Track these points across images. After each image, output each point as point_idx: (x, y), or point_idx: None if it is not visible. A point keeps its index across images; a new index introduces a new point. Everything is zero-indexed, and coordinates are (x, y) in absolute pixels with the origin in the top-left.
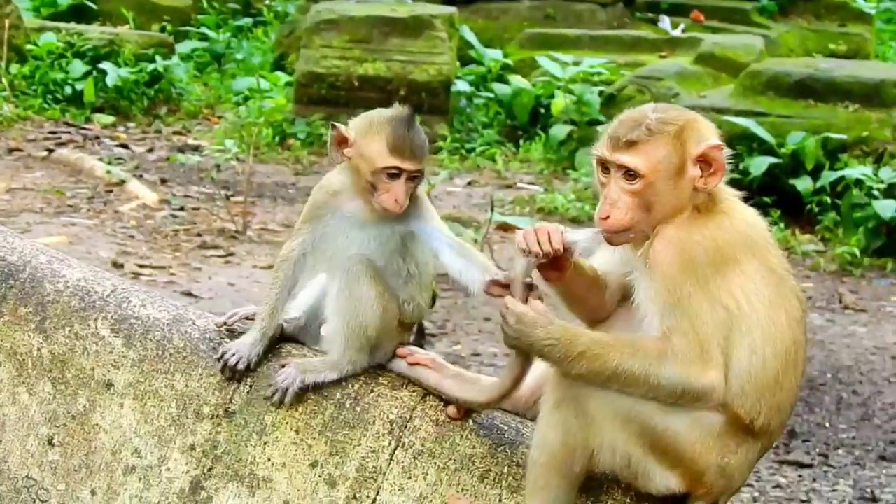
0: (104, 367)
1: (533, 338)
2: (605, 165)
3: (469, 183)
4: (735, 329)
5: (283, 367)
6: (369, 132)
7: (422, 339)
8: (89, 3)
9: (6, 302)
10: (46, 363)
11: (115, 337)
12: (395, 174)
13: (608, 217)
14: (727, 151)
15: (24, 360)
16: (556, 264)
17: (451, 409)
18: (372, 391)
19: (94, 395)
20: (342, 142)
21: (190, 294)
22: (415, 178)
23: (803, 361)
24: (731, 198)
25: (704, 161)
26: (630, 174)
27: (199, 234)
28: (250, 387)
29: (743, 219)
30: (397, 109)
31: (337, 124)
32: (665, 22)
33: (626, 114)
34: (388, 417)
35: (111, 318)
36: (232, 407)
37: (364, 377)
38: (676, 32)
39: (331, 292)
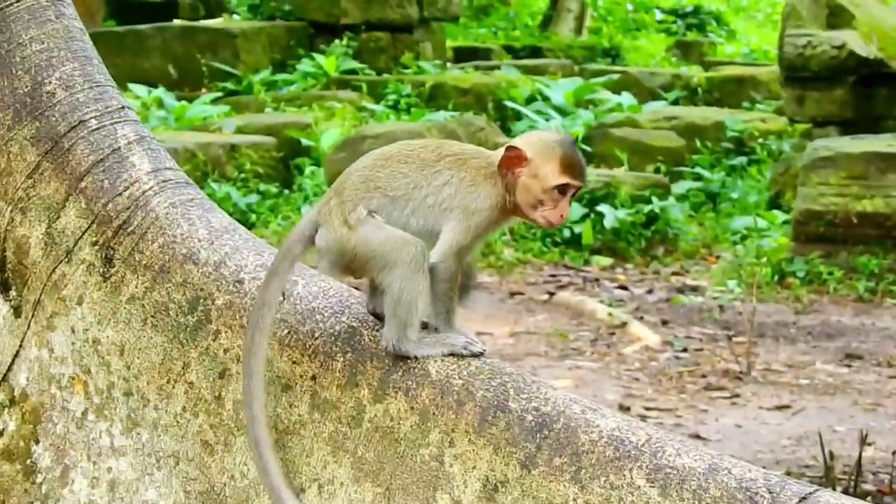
0: None
1: None
2: None
3: None
4: None
5: None
6: (543, 153)
7: None
8: (584, 146)
9: (541, 452)
10: None
11: (651, 487)
12: (563, 191)
13: None
14: None
15: None
16: None
17: None
18: None
19: None
20: (517, 161)
21: (698, 436)
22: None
23: None
24: None
25: None
26: None
27: (703, 376)
28: None
29: None
30: (564, 133)
31: (515, 145)
32: None
33: None
34: None
35: (646, 467)
36: None
37: None
38: None
39: None
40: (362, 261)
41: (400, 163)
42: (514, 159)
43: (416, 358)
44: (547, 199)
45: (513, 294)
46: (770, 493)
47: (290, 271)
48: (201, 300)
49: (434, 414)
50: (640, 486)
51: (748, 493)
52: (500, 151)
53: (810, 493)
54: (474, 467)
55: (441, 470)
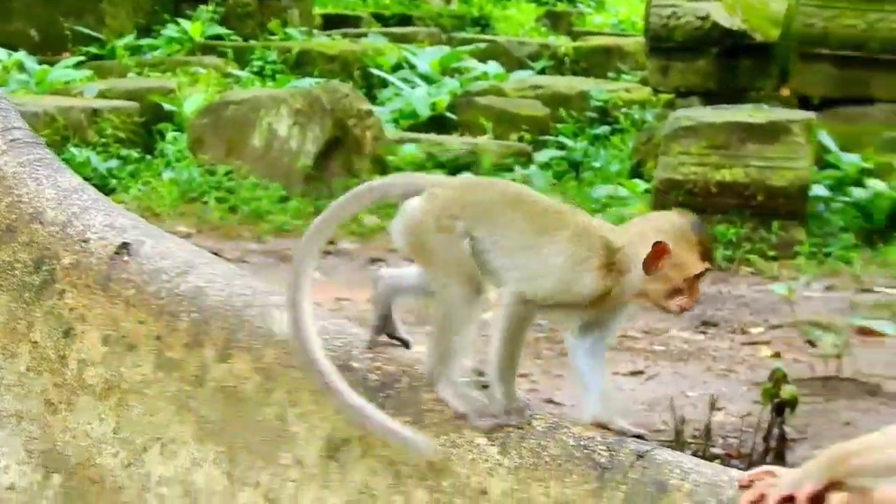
0: (480, 475)
1: None
2: None
3: (827, 287)
4: None
5: None
6: (683, 242)
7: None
8: (449, 115)
9: (384, 411)
10: (423, 471)
11: (491, 445)
12: (699, 277)
13: None
14: None
15: (399, 468)
16: None
17: None
18: None
19: None
20: (663, 255)
21: (552, 401)
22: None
23: None
24: None
25: None
26: None
27: (559, 342)
28: (625, 493)
29: None
30: (687, 215)
31: (662, 241)
32: None
33: None
34: None
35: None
36: None
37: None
38: None
39: None
40: (422, 256)
41: (523, 215)
42: (661, 254)
43: (438, 394)
44: (686, 286)
45: (374, 260)
46: (609, 450)
47: (375, 199)
48: (47, 259)
49: (278, 374)
50: (479, 445)
51: (586, 450)
52: (622, 236)
53: (647, 451)
54: (317, 426)
55: (284, 429)
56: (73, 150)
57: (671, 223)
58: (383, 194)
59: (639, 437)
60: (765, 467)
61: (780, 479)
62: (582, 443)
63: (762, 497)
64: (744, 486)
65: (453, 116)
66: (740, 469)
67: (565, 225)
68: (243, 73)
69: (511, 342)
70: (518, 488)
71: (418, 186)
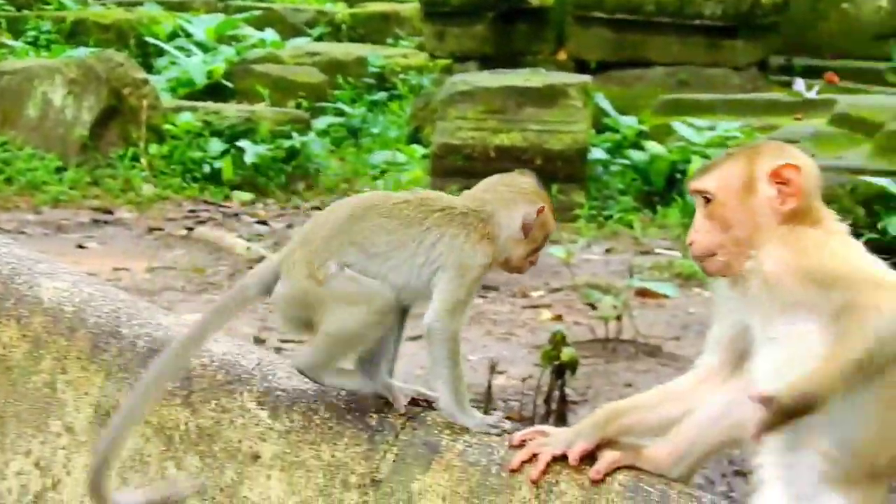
0: (251, 439)
1: None
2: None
3: (607, 250)
4: None
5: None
6: (546, 202)
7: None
8: (225, 82)
9: None
10: (194, 437)
11: (262, 409)
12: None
13: (693, 242)
14: (809, 172)
15: (171, 434)
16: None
17: (594, 472)
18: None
19: (242, 468)
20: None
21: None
22: None
23: None
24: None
25: (780, 181)
26: (706, 198)
27: None
28: (396, 455)
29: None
30: (528, 174)
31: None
32: (799, 84)
33: None
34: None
35: (257, 390)
36: (378, 476)
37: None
38: (811, 94)
39: None
40: (323, 311)
41: (381, 217)
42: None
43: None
44: (542, 245)
45: (151, 229)
46: (378, 413)
47: (238, 311)
48: None
49: (46, 341)
50: (250, 409)
51: (357, 413)
52: (483, 204)
53: (418, 413)
54: (87, 393)
55: (54, 397)
56: None
57: (529, 185)
58: (240, 303)
59: (413, 400)
60: (537, 427)
61: (552, 438)
62: (353, 406)
63: (534, 456)
64: (515, 446)
65: (230, 84)
66: None
67: (429, 209)
68: (17, 44)
69: (452, 357)
70: (290, 451)
71: (271, 268)
